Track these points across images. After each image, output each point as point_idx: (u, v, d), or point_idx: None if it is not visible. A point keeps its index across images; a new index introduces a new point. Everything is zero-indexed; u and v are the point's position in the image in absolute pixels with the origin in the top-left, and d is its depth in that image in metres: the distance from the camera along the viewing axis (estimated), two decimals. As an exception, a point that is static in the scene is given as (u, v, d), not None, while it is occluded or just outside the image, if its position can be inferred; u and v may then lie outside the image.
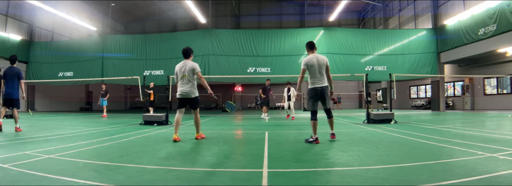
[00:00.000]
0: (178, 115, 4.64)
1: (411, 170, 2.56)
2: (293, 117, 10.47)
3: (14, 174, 2.44)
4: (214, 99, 4.58)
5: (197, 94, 4.71)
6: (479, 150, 3.38)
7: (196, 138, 4.73)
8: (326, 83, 4.27)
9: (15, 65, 6.08)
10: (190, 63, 4.64)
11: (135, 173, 2.50)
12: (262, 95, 11.06)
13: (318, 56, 4.29)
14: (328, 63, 4.34)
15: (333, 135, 4.45)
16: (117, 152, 3.60)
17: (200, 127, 4.87)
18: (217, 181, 2.24)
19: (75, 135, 5.44)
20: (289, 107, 10.59)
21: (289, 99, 10.38)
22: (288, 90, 10.37)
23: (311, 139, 4.20)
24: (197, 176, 2.43)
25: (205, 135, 5.00)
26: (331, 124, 4.46)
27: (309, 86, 4.30)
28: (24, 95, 6.11)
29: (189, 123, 8.36)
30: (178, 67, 4.69)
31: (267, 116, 11.14)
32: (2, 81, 5.98)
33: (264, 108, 11.15)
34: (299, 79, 4.43)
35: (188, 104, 4.75)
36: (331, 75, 4.41)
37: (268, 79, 11.28)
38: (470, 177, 2.23)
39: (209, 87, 4.78)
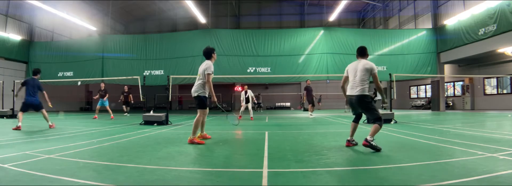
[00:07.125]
0: (197, 116, 4.44)
1: (411, 170, 2.56)
2: (251, 117, 10.57)
3: (14, 174, 2.44)
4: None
5: (199, 93, 4.41)
6: (479, 150, 3.38)
7: (188, 142, 4.25)
8: (357, 92, 3.72)
9: (36, 77, 6.84)
10: (204, 63, 4.55)
11: (135, 173, 2.50)
12: (304, 96, 12.29)
13: (362, 62, 3.85)
14: (376, 71, 3.76)
15: (365, 141, 3.53)
16: (117, 152, 3.60)
17: (201, 130, 4.66)
18: (217, 181, 2.24)
19: (75, 135, 5.44)
20: (246, 108, 10.78)
21: (247, 101, 10.56)
22: (245, 93, 10.56)
23: None
24: (197, 176, 2.43)
25: (204, 141, 4.39)
26: (372, 129, 3.58)
27: None
28: (50, 104, 6.85)
29: (189, 123, 8.36)
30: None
31: (312, 115, 11.74)
32: (23, 88, 6.68)
33: (310, 107, 11.86)
34: (341, 85, 4.18)
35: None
36: (380, 84, 3.85)
37: (307, 80, 12.34)
38: (470, 177, 2.23)
39: (213, 93, 4.42)
